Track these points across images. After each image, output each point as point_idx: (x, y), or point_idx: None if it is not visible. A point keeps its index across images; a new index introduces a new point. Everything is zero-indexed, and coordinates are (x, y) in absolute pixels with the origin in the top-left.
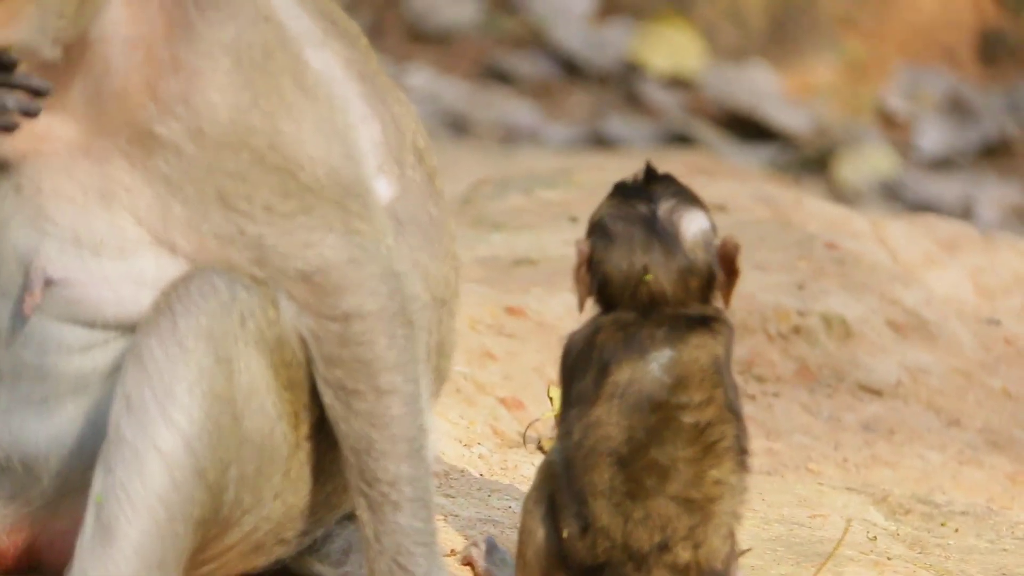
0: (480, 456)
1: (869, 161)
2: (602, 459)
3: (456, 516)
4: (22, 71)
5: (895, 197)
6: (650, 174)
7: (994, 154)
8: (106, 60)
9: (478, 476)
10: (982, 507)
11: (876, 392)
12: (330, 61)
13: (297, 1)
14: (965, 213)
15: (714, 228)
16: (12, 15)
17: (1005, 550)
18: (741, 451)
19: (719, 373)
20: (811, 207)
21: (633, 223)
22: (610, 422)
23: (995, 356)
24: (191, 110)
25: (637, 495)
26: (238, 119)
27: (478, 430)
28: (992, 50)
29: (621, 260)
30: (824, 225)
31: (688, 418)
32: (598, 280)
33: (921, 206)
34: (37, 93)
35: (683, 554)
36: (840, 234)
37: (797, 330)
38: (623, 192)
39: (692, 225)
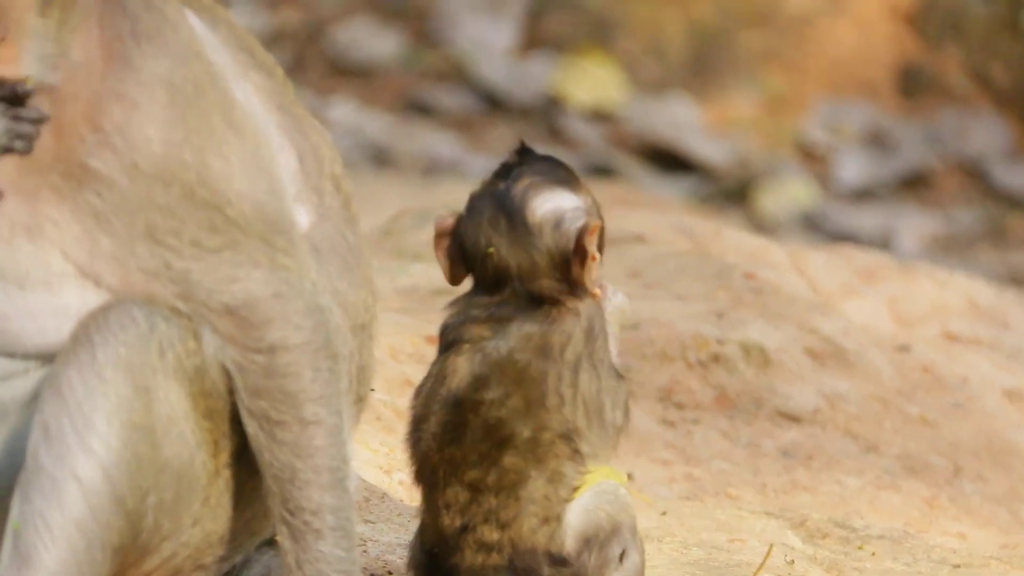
0: (400, 482)
1: (789, 192)
2: (424, 454)
3: (376, 541)
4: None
5: (815, 228)
6: (526, 153)
7: (913, 185)
8: (48, 90)
9: (398, 502)
10: (899, 531)
11: (795, 419)
12: (250, 93)
13: (216, 34)
14: (885, 243)
15: (581, 210)
16: (17, 50)
17: (921, 573)
18: (567, 438)
19: (545, 360)
20: (730, 238)
21: (487, 199)
22: (432, 415)
23: (912, 383)
24: (128, 143)
25: (437, 486)
26: (170, 154)
27: (398, 456)
28: (911, 83)
29: (471, 234)
30: (743, 256)
31: (482, 415)
32: (461, 254)
33: (841, 237)
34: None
35: (489, 534)
36: (759, 264)
37: (716, 358)
38: (497, 171)
39: (543, 203)
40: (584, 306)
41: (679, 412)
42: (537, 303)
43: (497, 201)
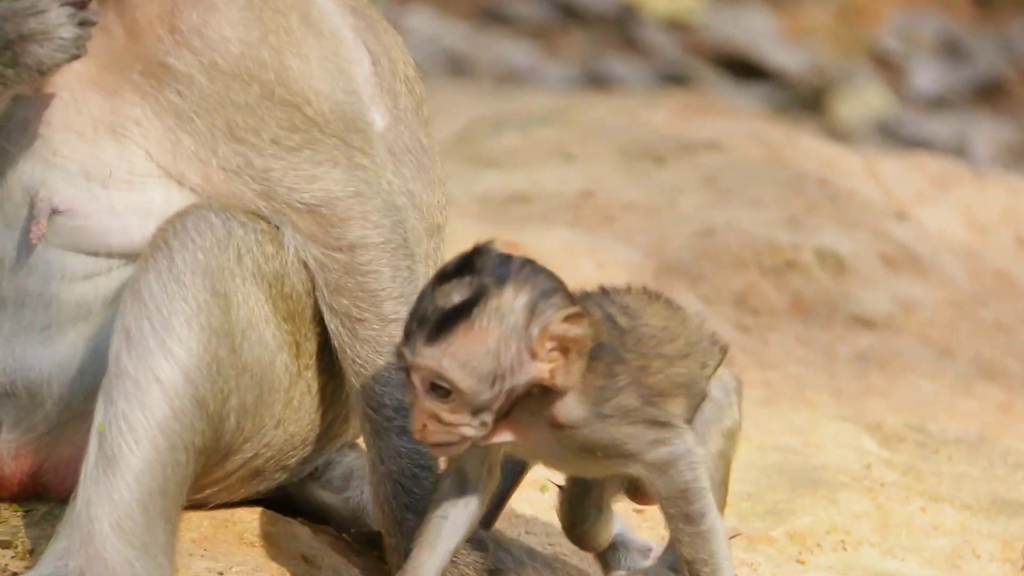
0: None
1: (864, 100)
2: None
3: None
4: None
5: (889, 136)
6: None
7: (987, 93)
8: None
9: None
10: (975, 435)
11: (869, 324)
12: None
13: None
14: (959, 151)
15: None
16: None
17: (997, 477)
18: None
19: None
20: (805, 145)
21: None
22: None
23: (985, 289)
24: (206, 42)
25: None
26: (248, 53)
27: None
28: None
29: None
30: (817, 162)
31: None
32: None
33: (915, 144)
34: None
35: None
36: (833, 171)
37: (791, 264)
38: None
39: None
40: None
41: (754, 318)
42: None
43: None
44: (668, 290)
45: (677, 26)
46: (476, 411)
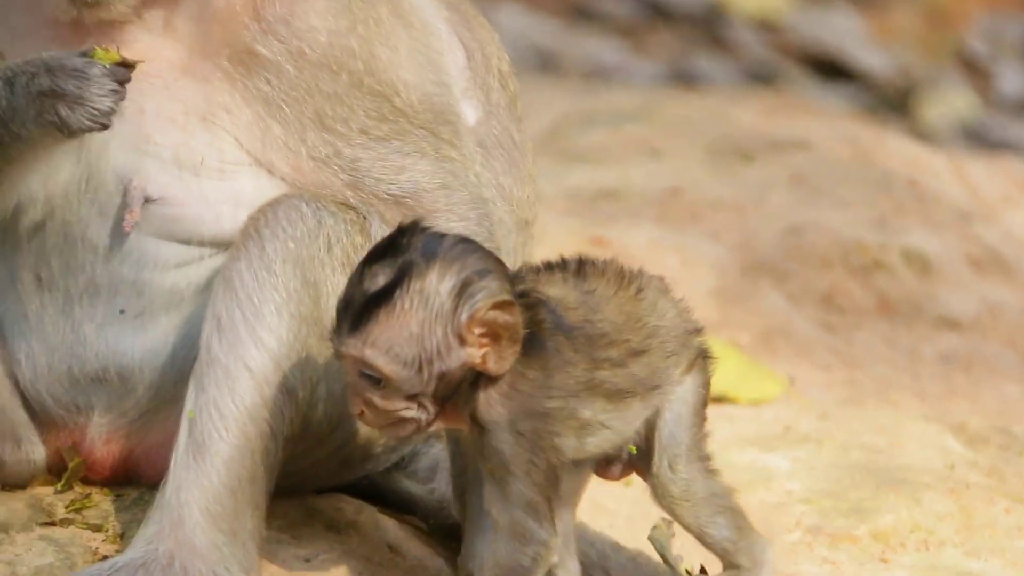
0: None
1: (949, 103)
2: None
3: None
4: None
5: (975, 138)
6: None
7: None
8: None
9: None
10: None
11: (954, 326)
12: None
13: None
14: None
15: None
16: None
17: None
18: None
19: None
20: (892, 146)
21: None
22: None
23: None
24: (293, 31)
25: None
26: (337, 43)
27: None
28: None
29: None
30: (905, 163)
31: None
32: None
33: (1001, 147)
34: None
35: None
36: (921, 172)
37: (877, 264)
38: None
39: None
40: None
41: (840, 317)
42: None
43: None
44: (754, 288)
45: (765, 26)
46: (410, 396)
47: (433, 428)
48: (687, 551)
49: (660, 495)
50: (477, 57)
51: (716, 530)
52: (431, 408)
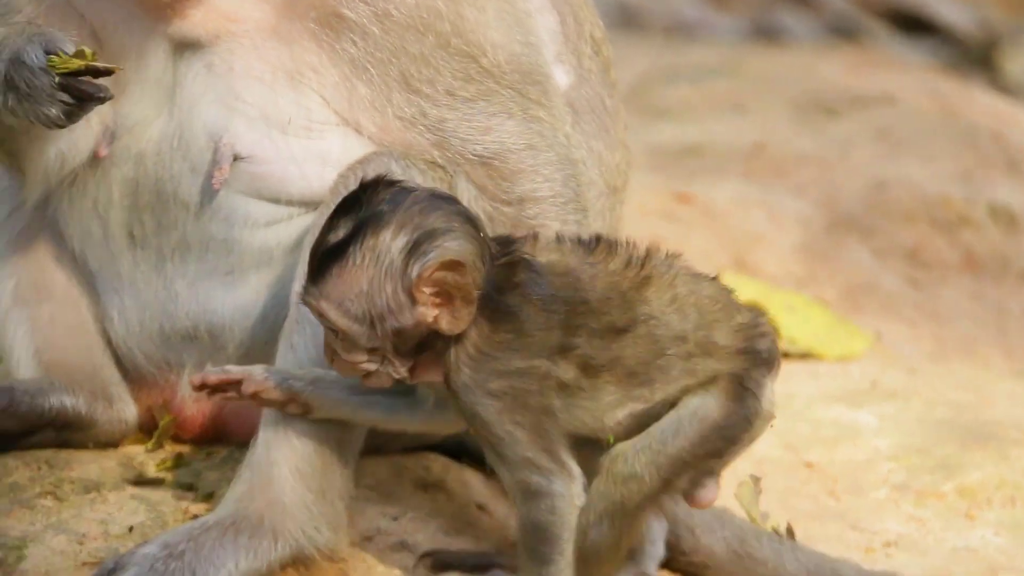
0: None
1: None
2: None
3: None
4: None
5: None
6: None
7: None
8: None
9: None
10: None
11: None
12: None
13: None
14: None
15: None
16: None
17: None
18: None
19: None
20: (977, 100)
21: None
22: None
23: None
24: None
25: None
26: (423, 4)
27: None
28: None
29: None
30: (989, 117)
31: None
32: None
33: None
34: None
35: None
36: (1006, 126)
37: (963, 220)
38: None
39: None
40: None
41: (925, 272)
42: None
43: None
44: (839, 244)
45: None
46: (369, 351)
47: (413, 382)
48: (772, 508)
49: (605, 458)
50: (569, 22)
51: (597, 529)
52: (398, 363)
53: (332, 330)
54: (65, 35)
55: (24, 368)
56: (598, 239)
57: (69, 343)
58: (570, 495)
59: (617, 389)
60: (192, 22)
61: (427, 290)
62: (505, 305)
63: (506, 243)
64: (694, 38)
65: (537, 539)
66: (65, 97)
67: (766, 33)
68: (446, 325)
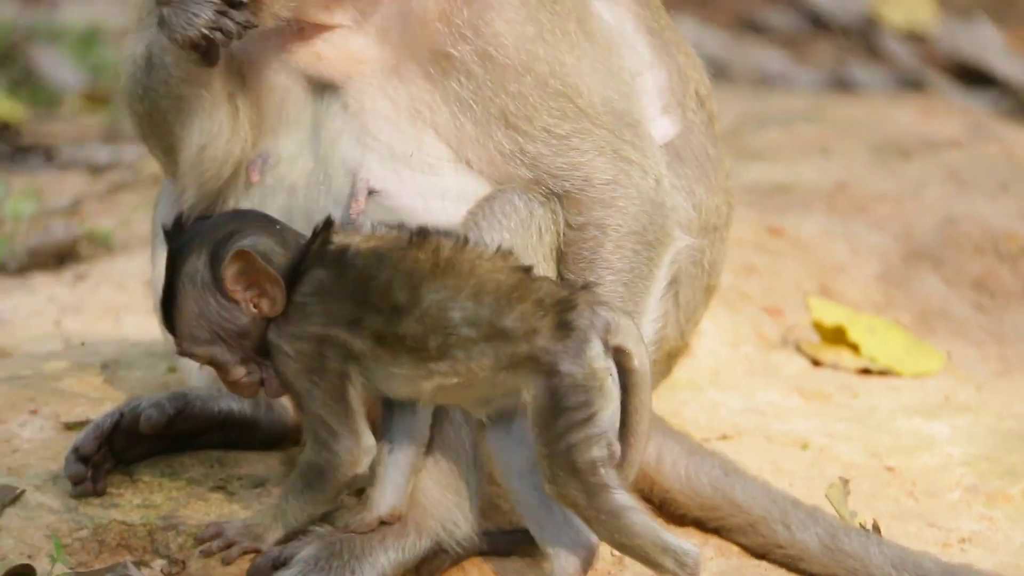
0: (745, 355)
1: None
2: None
3: (726, 406)
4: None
5: None
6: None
7: None
8: None
9: (744, 372)
10: None
11: None
12: (621, 15)
13: None
14: None
15: None
16: None
17: None
18: None
19: None
20: None
21: None
22: None
23: None
24: (480, 36)
25: None
26: (522, 47)
27: (743, 332)
28: None
29: None
30: None
31: None
32: None
33: None
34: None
35: None
36: None
37: None
38: None
39: None
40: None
41: (991, 299)
42: None
43: None
44: (914, 273)
45: (914, 37)
46: (241, 362)
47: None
48: (859, 508)
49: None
50: (676, 78)
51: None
52: (258, 366)
53: (207, 361)
54: None
55: (195, 377)
56: (420, 231)
57: None
58: (351, 459)
59: (411, 361)
60: (327, 63)
61: (237, 287)
62: (307, 279)
63: (316, 233)
64: (778, 89)
65: (311, 475)
66: (218, 4)
67: (842, 84)
68: (268, 308)
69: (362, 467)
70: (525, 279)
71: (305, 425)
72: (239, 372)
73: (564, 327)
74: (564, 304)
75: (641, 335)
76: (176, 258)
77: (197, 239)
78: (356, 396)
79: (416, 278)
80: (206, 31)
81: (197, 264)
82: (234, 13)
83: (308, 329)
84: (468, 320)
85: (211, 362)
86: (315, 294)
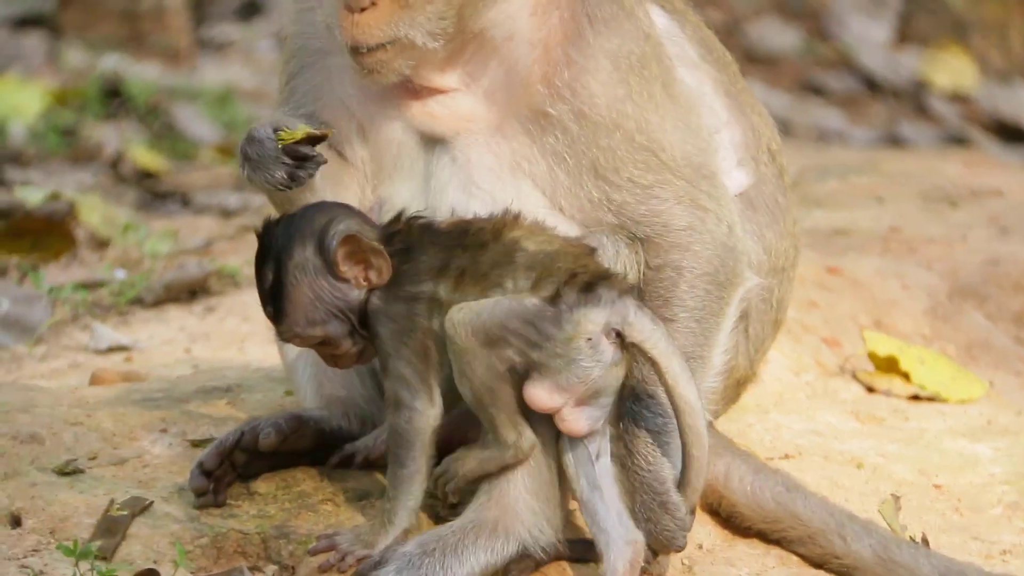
0: (807, 382)
1: None
2: None
3: (788, 428)
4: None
5: None
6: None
7: None
8: (513, 56)
9: (805, 398)
10: None
11: None
12: (702, 79)
13: (680, 28)
14: None
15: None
16: (385, 19)
17: None
18: None
19: None
20: None
21: None
22: None
23: None
24: (576, 96)
25: None
26: (613, 106)
27: (804, 361)
28: None
29: None
30: None
31: None
32: None
33: None
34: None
35: None
36: None
37: None
38: None
39: None
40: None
41: None
42: None
43: None
44: (959, 309)
45: (958, 98)
46: (348, 335)
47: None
48: (909, 522)
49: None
50: (750, 135)
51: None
52: (365, 332)
53: (319, 341)
54: (297, 120)
55: (309, 400)
56: (491, 215)
57: (339, 381)
58: (427, 415)
59: (475, 292)
60: (439, 121)
61: (347, 267)
62: (403, 245)
63: (399, 215)
64: (836, 145)
65: (395, 443)
66: (287, 160)
67: (894, 141)
68: (376, 278)
69: (436, 423)
70: (587, 251)
71: (387, 392)
72: (347, 344)
73: (589, 287)
74: (603, 276)
75: (673, 351)
76: (280, 256)
77: (295, 237)
78: (436, 358)
79: (501, 225)
80: (282, 187)
81: (305, 255)
82: (306, 164)
83: (404, 290)
84: (530, 257)
85: (324, 340)
86: (409, 259)
